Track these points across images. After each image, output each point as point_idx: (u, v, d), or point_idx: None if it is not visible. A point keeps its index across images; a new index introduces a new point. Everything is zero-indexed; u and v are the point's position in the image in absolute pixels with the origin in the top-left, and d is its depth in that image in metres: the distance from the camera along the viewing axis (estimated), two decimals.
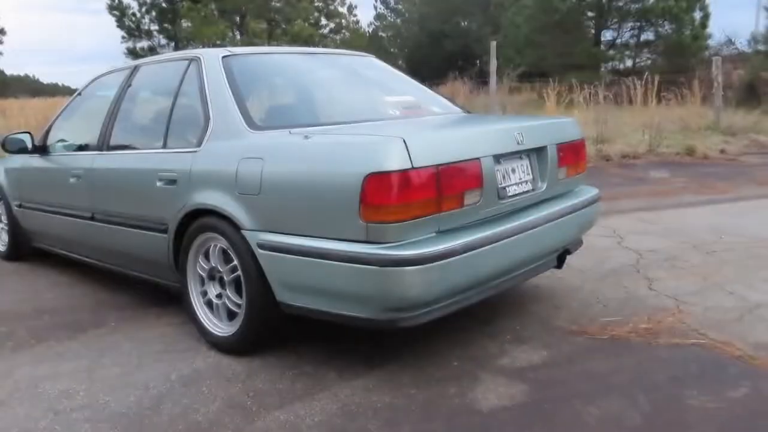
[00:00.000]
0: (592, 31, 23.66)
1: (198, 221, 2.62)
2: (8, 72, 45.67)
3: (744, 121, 10.74)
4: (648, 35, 22.78)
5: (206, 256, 2.66)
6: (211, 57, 2.88)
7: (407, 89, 3.51)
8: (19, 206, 4.04)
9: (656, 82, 9.94)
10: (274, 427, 2.02)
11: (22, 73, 57.06)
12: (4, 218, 4.31)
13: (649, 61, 22.42)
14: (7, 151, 3.86)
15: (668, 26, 21.63)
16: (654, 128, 9.09)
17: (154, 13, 29.16)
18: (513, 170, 2.52)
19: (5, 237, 4.33)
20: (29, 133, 3.89)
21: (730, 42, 20.70)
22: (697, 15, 21.20)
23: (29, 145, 3.77)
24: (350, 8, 30.51)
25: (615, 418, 2.00)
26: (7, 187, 4.17)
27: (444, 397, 2.18)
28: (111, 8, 28.77)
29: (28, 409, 2.20)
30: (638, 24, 22.68)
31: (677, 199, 5.75)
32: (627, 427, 1.96)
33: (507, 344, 2.59)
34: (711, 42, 21.22)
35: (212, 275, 2.66)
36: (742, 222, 4.64)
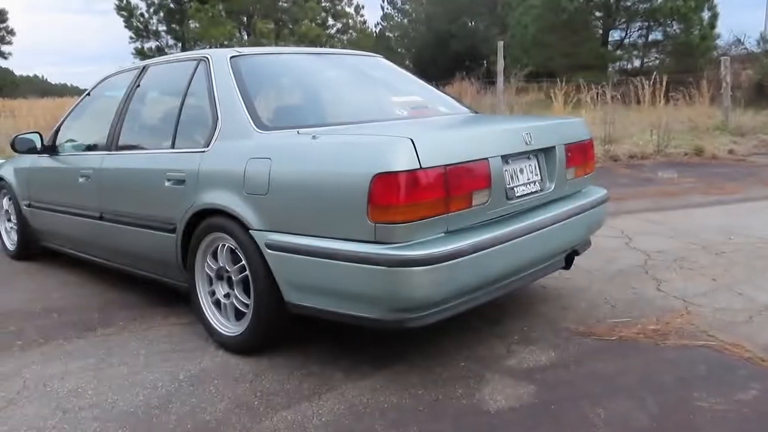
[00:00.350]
0: (600, 31, 23.59)
1: (206, 221, 2.63)
2: (17, 72, 46.04)
3: (753, 122, 10.69)
4: (656, 35, 22.69)
5: (214, 256, 2.66)
6: (219, 57, 2.88)
7: (415, 89, 3.51)
8: (28, 206, 4.06)
9: (664, 82, 9.90)
10: (282, 426, 2.03)
11: (31, 74, 57.48)
12: (13, 218, 4.33)
13: (657, 61, 22.32)
14: (16, 151, 3.89)
15: (676, 26, 21.53)
16: (662, 128, 9.06)
17: (161, 14, 29.34)
18: (521, 171, 2.52)
19: (14, 236, 4.36)
20: (38, 133, 3.92)
21: (738, 42, 20.57)
22: (706, 15, 21.09)
23: (38, 145, 3.79)
24: (357, 8, 30.61)
25: (622, 420, 1.99)
26: (17, 186, 4.19)
27: (451, 397, 2.17)
28: (119, 9, 28.96)
29: (37, 407, 2.21)
30: (646, 24, 22.59)
31: (685, 199, 5.73)
32: (634, 428, 1.95)
33: (514, 345, 2.59)
34: (719, 42, 21.11)
35: (220, 275, 2.66)
36: (750, 223, 4.62)
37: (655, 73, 10.24)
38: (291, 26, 27.51)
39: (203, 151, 2.68)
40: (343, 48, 24.87)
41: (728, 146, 9.02)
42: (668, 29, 21.98)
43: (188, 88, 2.97)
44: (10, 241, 4.45)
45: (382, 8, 37.97)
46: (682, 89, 11.01)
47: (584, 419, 2.01)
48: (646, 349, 2.51)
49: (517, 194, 2.47)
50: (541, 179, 2.64)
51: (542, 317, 2.88)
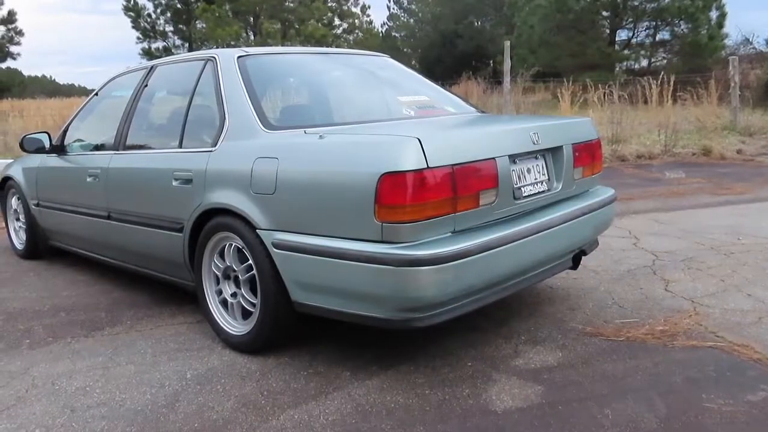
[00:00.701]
0: (607, 30, 23.49)
1: (213, 220, 2.63)
2: (26, 73, 46.24)
3: (761, 121, 10.62)
4: (664, 35, 22.58)
5: (221, 256, 2.67)
6: (226, 57, 2.89)
7: (422, 89, 3.50)
8: (37, 205, 4.09)
9: (672, 82, 9.85)
10: (289, 425, 2.03)
11: (39, 74, 57.76)
12: (22, 217, 4.36)
13: (664, 61, 22.21)
14: (25, 150, 3.91)
15: (684, 26, 21.42)
16: (669, 128, 9.02)
17: (168, 14, 29.44)
18: (528, 170, 2.51)
19: (23, 235, 4.38)
20: (47, 133, 3.94)
21: (747, 41, 20.46)
22: (714, 14, 20.97)
23: (47, 145, 3.82)
24: (363, 8, 30.55)
25: (631, 421, 1.98)
26: (25, 186, 4.22)
27: (458, 397, 2.17)
28: (126, 9, 29.09)
29: (46, 405, 2.22)
30: (654, 23, 22.48)
31: (693, 199, 5.70)
32: (642, 429, 1.94)
33: (521, 345, 2.58)
34: (728, 41, 21.00)
35: (227, 274, 2.67)
36: (760, 223, 4.58)
37: (662, 72, 10.19)
38: (297, 26, 27.49)
39: (210, 151, 2.69)
40: (350, 48, 24.88)
41: (736, 146, 8.97)
42: (676, 29, 21.88)
43: (196, 87, 2.98)
44: (19, 240, 4.47)
45: (389, 8, 38.06)
46: (689, 89, 10.94)
47: (592, 420, 2.00)
48: (654, 349, 2.50)
49: (525, 194, 2.47)
50: (549, 179, 2.64)
51: (549, 317, 2.87)
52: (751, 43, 20.22)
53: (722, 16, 21.04)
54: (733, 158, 8.42)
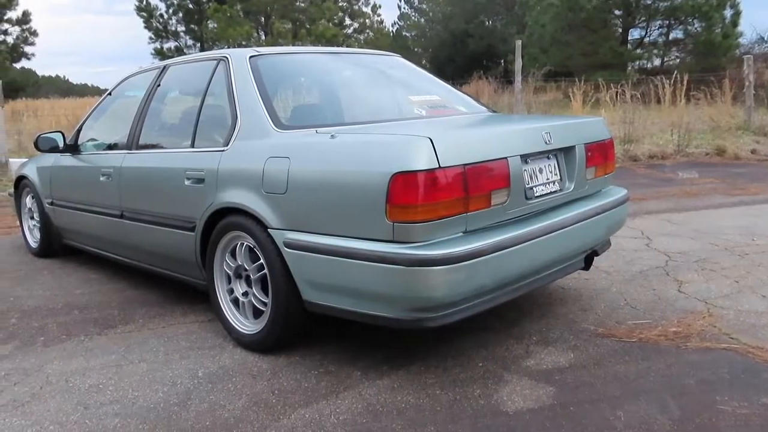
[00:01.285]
0: (620, 29, 23.31)
1: (225, 219, 2.64)
2: (40, 73, 46.68)
3: None
4: (677, 33, 22.36)
5: (233, 255, 2.68)
6: (238, 57, 2.90)
7: (433, 89, 3.50)
8: (51, 204, 4.12)
9: (685, 81, 9.76)
10: (300, 424, 2.03)
11: (53, 74, 58.30)
12: (36, 216, 4.40)
13: (677, 60, 22.02)
14: (39, 149, 3.95)
15: (698, 24, 21.21)
16: (683, 128, 8.95)
17: (180, 15, 29.62)
18: (540, 170, 2.50)
19: (37, 234, 4.42)
20: (61, 132, 3.97)
21: (762, 40, 20.25)
22: (728, 13, 20.74)
23: (61, 144, 3.85)
24: (374, 8, 30.54)
25: (643, 423, 1.97)
26: (39, 185, 4.26)
27: (469, 397, 2.17)
28: (139, 10, 29.29)
29: (60, 402, 2.24)
30: (667, 22, 22.28)
31: (707, 200, 5.65)
32: None
33: (533, 346, 2.57)
34: (742, 40, 20.77)
35: (239, 273, 2.68)
36: None
37: (675, 72, 10.11)
38: (308, 26, 27.53)
39: (222, 150, 2.70)
40: (360, 47, 24.88)
41: (751, 146, 8.88)
42: (689, 27, 21.66)
43: (208, 87, 2.99)
44: (33, 239, 4.51)
45: (399, 8, 38.00)
46: (703, 88, 10.84)
47: (604, 422, 1.99)
48: (667, 351, 2.48)
49: (537, 194, 2.46)
50: (561, 179, 2.62)
51: (561, 318, 2.86)
52: (766, 42, 20.01)
53: (737, 14, 20.81)
54: (747, 158, 8.34)
